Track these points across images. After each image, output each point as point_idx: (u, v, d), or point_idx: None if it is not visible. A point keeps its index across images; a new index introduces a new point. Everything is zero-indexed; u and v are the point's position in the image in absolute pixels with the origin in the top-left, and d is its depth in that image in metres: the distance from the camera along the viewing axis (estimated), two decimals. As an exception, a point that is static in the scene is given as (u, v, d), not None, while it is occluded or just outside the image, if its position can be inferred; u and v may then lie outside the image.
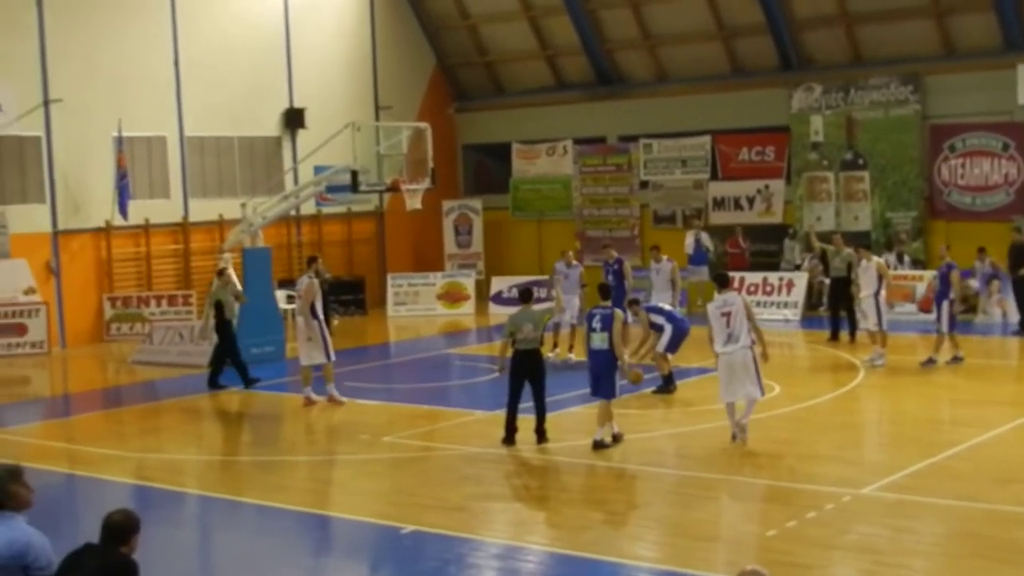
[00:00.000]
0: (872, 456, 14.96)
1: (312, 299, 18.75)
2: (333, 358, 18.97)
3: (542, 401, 15.41)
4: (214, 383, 20.72)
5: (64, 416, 20.18)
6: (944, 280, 20.85)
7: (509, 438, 15.34)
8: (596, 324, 15.03)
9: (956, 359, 20.52)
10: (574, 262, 23.15)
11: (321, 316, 18.99)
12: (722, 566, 10.60)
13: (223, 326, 20.86)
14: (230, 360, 20.86)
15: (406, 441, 16.13)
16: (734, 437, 14.96)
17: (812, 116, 29.42)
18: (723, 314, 14.95)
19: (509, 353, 15.45)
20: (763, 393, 15.38)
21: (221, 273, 21.51)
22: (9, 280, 26.04)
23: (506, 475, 14.38)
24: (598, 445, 14.90)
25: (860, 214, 28.96)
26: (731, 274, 27.98)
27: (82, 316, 27.46)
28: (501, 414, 15.65)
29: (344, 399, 18.76)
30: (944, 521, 11.90)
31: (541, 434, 15.35)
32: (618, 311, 15.51)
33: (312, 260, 19.89)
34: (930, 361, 20.37)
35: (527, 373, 15.33)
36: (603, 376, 15.02)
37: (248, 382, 20.62)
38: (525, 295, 16.01)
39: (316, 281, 19.08)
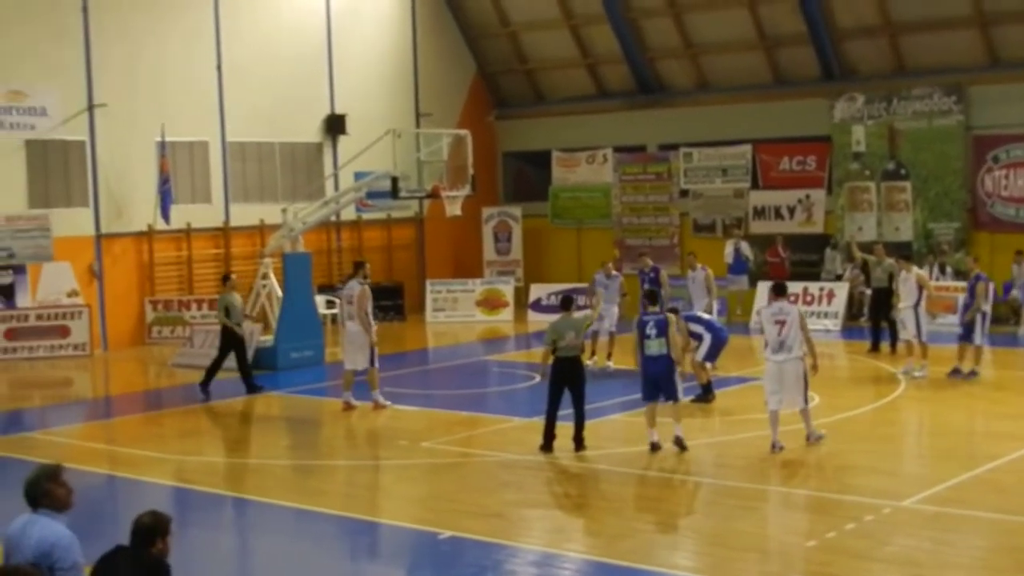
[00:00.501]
0: (913, 468, 14.85)
1: (367, 304, 18.74)
2: (377, 364, 19.02)
3: (581, 408, 15.37)
4: (252, 387, 20.80)
5: (105, 418, 20.33)
6: (972, 292, 20.64)
7: (547, 445, 15.31)
8: (651, 331, 15.18)
9: (972, 373, 20.30)
10: (614, 272, 23.01)
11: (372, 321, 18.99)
12: (760, 576, 10.56)
13: (231, 330, 20.95)
14: (214, 362, 20.91)
15: (444, 447, 16.15)
16: (774, 447, 14.95)
17: (854, 126, 29.27)
18: (777, 322, 15.10)
19: (550, 361, 15.43)
20: (807, 404, 15.35)
21: (226, 279, 21.61)
22: (53, 283, 26.32)
23: (544, 482, 14.37)
24: (678, 441, 15.05)
25: (901, 225, 28.77)
26: (772, 283, 28.28)
27: (124, 319, 27.67)
28: (539, 421, 15.64)
29: (388, 403, 18.81)
30: (986, 534, 11.79)
31: (579, 442, 15.30)
32: (671, 315, 15.72)
33: (360, 265, 19.72)
34: (956, 372, 20.22)
35: (568, 380, 15.28)
36: (664, 380, 15.22)
37: (206, 384, 20.58)
38: (566, 302, 15.94)
39: (367, 286, 19.07)
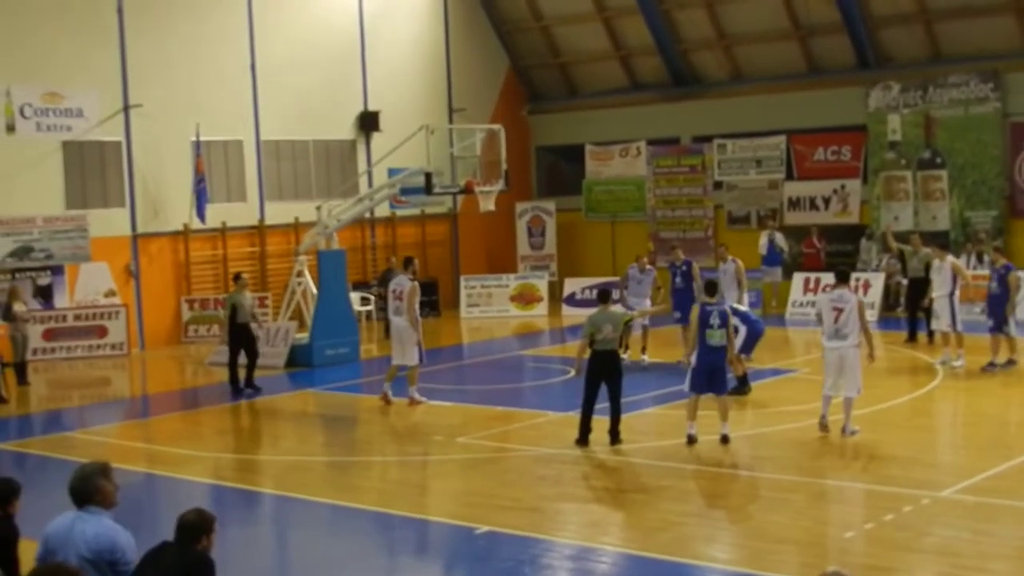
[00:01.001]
0: (951, 458, 14.74)
1: (415, 301, 18.79)
2: (425, 360, 19.07)
3: (617, 402, 15.33)
4: (250, 385, 20.93)
5: (143, 417, 20.47)
6: (1002, 282, 20.23)
7: (583, 439, 15.30)
8: (714, 320, 15.13)
9: (1010, 362, 20.06)
10: (648, 267, 22.88)
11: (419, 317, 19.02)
12: (798, 568, 10.50)
13: (239, 329, 21.03)
14: (230, 360, 21.04)
15: (480, 442, 16.15)
16: (824, 427, 15.18)
17: (889, 115, 29.07)
18: (835, 308, 15.18)
19: (587, 355, 15.40)
20: (859, 393, 15.43)
21: (237, 278, 21.70)
22: (90, 283, 26.52)
23: (580, 476, 14.36)
24: (725, 439, 15.08)
25: (938, 214, 28.56)
26: (807, 275, 28.15)
27: (161, 318, 27.84)
28: (575, 415, 15.62)
29: (424, 399, 18.85)
30: (1026, 525, 11.69)
31: (615, 435, 15.29)
32: (728, 308, 15.79)
33: (409, 260, 19.60)
34: (991, 365, 19.98)
35: (605, 374, 15.22)
36: (721, 372, 15.30)
37: (237, 390, 20.77)
38: (603, 296, 15.86)
39: (416, 283, 19.08)
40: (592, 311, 15.83)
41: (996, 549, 10.86)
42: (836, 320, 15.09)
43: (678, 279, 22.16)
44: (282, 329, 24.28)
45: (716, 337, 15.13)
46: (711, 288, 15.79)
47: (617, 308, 16.31)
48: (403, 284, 18.91)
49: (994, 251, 21.40)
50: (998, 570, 10.38)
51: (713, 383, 15.28)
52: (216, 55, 28.50)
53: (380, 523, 12.80)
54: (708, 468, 14.27)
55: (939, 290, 20.75)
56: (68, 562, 6.71)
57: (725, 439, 15.09)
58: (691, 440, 15.14)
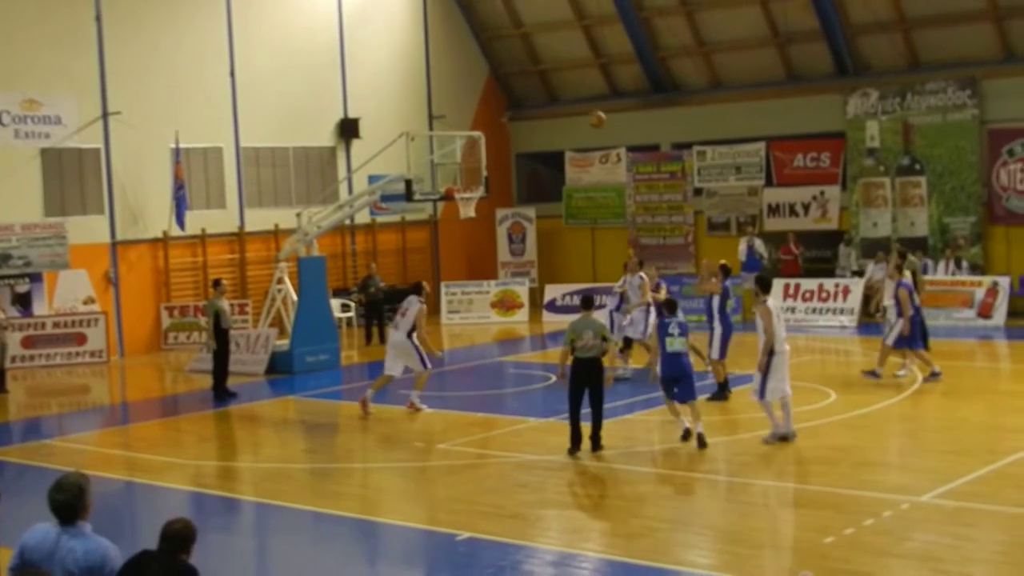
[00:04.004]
0: (931, 463, 14.75)
1: (423, 321, 19.02)
2: (429, 367, 19.12)
3: (599, 409, 15.29)
4: (223, 392, 20.91)
5: (122, 424, 20.38)
6: (898, 299, 19.70)
7: (575, 447, 15.22)
8: (674, 330, 15.67)
9: (934, 375, 19.62)
10: (640, 273, 22.46)
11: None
12: (778, 574, 10.52)
13: (223, 335, 21.07)
14: (218, 367, 21.08)
15: (461, 448, 16.14)
16: (784, 437, 15.24)
17: (868, 121, 29.20)
18: (778, 315, 15.55)
19: (569, 361, 15.41)
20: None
21: (217, 284, 21.69)
22: (69, 290, 26.43)
23: (561, 482, 14.34)
24: (700, 439, 15.27)
25: (917, 220, 28.70)
26: (786, 280, 28.23)
27: (140, 325, 27.75)
28: (556, 421, 15.66)
29: (424, 407, 18.86)
30: (1006, 529, 11.72)
31: (596, 441, 15.27)
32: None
33: (420, 286, 19.65)
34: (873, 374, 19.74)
35: (587, 381, 15.19)
36: (687, 379, 15.68)
37: (222, 393, 20.83)
38: (586, 302, 15.80)
39: (424, 306, 19.12)
40: (573, 317, 15.83)
41: (976, 553, 10.89)
42: (782, 325, 15.60)
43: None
44: (262, 336, 24.24)
45: (677, 344, 15.61)
46: (671, 306, 16.34)
47: (598, 316, 16.17)
48: (412, 304, 19.06)
49: (895, 268, 20.81)
50: (978, 574, 10.41)
51: (680, 389, 15.63)
52: (195, 62, 28.45)
53: (361, 530, 12.78)
54: (688, 474, 14.29)
55: (890, 299, 20.31)
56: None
57: (700, 439, 15.25)
58: (687, 435, 15.40)
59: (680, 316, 16.16)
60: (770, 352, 15.30)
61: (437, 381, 21.50)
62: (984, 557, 10.83)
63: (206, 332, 21.17)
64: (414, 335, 18.87)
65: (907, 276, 20.20)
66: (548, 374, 20.45)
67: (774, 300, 15.79)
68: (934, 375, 19.47)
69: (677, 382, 15.65)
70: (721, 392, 18.39)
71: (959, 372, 20.18)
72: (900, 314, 19.54)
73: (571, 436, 15.24)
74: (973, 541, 11.23)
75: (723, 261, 19.72)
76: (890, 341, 19.62)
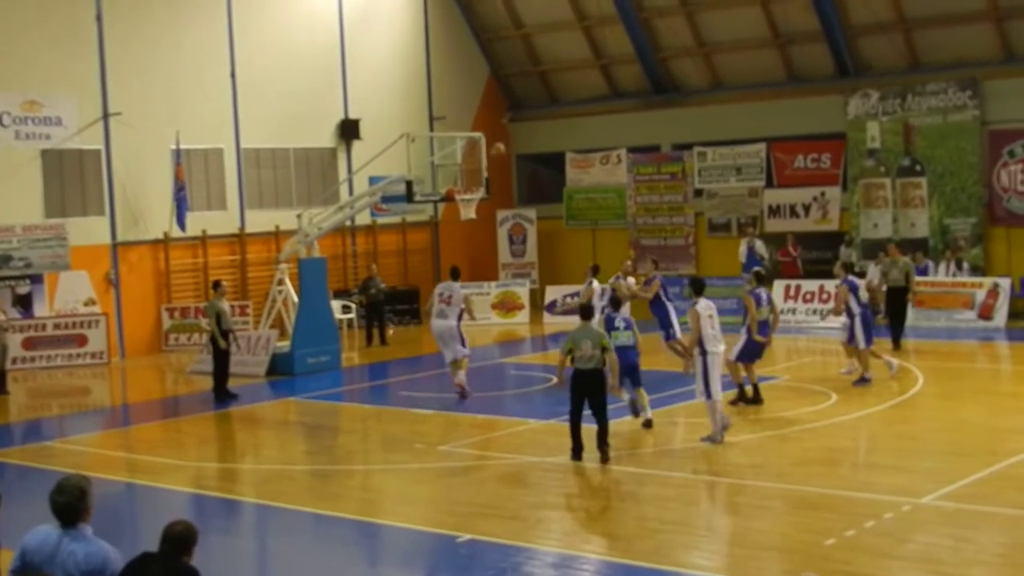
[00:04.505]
0: (931, 465, 14.75)
1: (470, 307, 20.41)
2: (468, 350, 20.21)
3: (603, 420, 14.87)
4: (223, 393, 20.95)
5: (123, 426, 20.40)
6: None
7: (576, 454, 14.94)
8: (619, 324, 16.69)
9: (863, 380, 19.47)
10: (654, 273, 21.92)
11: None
12: (779, 575, 10.51)
13: (224, 335, 21.11)
14: (219, 368, 21.12)
15: (461, 450, 16.15)
16: (720, 437, 15.56)
17: (869, 122, 29.19)
18: (708, 316, 15.83)
19: (567, 365, 15.21)
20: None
21: (217, 285, 21.72)
22: (69, 291, 26.43)
23: (562, 484, 14.35)
24: (648, 423, 16.56)
25: (917, 221, 28.69)
26: (787, 282, 28.20)
27: (141, 327, 27.75)
28: (556, 423, 15.65)
29: (470, 389, 19.60)
30: (1007, 531, 11.72)
31: (604, 452, 14.77)
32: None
33: (457, 270, 20.91)
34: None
35: (586, 392, 14.85)
36: (635, 369, 16.65)
37: (223, 395, 20.91)
38: (585, 312, 15.63)
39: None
40: (574, 321, 15.80)
41: (977, 555, 10.89)
42: (712, 327, 15.80)
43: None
44: (263, 338, 24.24)
45: (622, 338, 16.43)
46: (615, 303, 17.79)
47: (596, 326, 15.80)
48: (454, 290, 20.09)
49: (841, 266, 20.67)
50: (978, 576, 10.42)
51: (631, 379, 16.59)
52: (196, 63, 28.45)
53: (362, 532, 12.79)
54: (689, 476, 14.29)
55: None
56: None
57: (648, 423, 16.48)
58: (647, 424, 16.52)
59: (625, 312, 17.62)
60: (703, 353, 15.63)
61: (437, 382, 21.52)
62: (985, 559, 10.83)
63: (212, 332, 21.14)
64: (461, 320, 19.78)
65: (886, 274, 20.22)
66: (549, 375, 20.45)
67: (707, 302, 16.02)
68: (863, 380, 19.26)
69: (628, 373, 16.36)
70: (741, 395, 18.29)
71: (960, 374, 20.18)
72: (848, 314, 19.47)
73: (572, 447, 14.96)
74: (974, 543, 11.23)
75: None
76: (858, 343, 19.49)
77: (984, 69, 27.89)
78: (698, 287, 16.45)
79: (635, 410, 16.75)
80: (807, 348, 24.34)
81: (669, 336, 20.84)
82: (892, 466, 14.24)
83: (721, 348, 15.91)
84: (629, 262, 23.47)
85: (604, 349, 14.79)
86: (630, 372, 16.48)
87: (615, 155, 33.31)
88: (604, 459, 14.69)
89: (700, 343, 15.64)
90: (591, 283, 20.62)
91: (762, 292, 18.29)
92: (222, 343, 20.97)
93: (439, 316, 20.03)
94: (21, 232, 25.59)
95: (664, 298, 20.98)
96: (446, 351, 20.16)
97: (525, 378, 22.49)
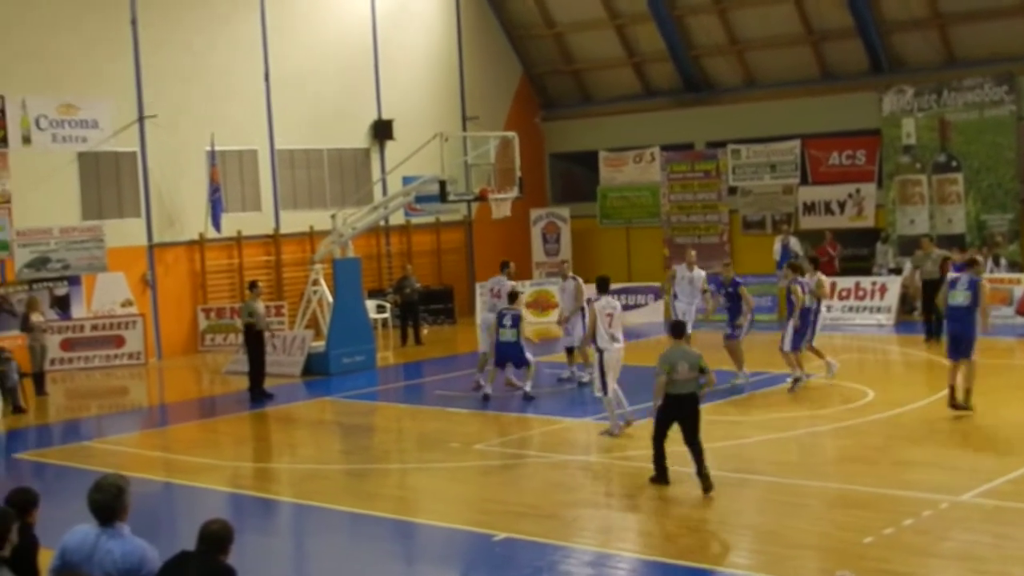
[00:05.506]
0: (970, 462, 14.64)
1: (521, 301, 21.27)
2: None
3: (696, 447, 13.27)
4: (259, 393, 21.08)
5: (161, 426, 20.51)
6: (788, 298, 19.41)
7: (660, 477, 13.60)
8: (507, 321, 19.37)
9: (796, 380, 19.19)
10: (697, 268, 22.05)
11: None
12: (816, 574, 10.48)
13: (255, 336, 21.19)
14: (253, 368, 21.24)
15: (497, 449, 16.16)
16: (617, 430, 16.05)
17: (904, 119, 29.01)
18: (607, 315, 16.15)
19: (661, 394, 13.34)
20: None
21: (253, 286, 21.83)
22: (107, 293, 26.61)
23: (597, 482, 14.34)
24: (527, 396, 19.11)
25: (954, 217, 28.49)
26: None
27: (177, 327, 27.91)
28: (591, 421, 15.66)
29: (520, 385, 19.94)
30: (1047, 528, 11.62)
31: (705, 479, 13.14)
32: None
33: (506, 264, 21.71)
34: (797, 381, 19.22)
35: (677, 417, 13.38)
36: (520, 355, 19.50)
37: (258, 395, 21.03)
38: (677, 329, 13.91)
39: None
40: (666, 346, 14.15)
41: (1017, 553, 10.79)
42: (610, 325, 16.10)
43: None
44: (298, 338, 24.33)
45: (507, 335, 19.24)
46: (512, 297, 19.92)
47: (690, 346, 14.05)
48: (502, 284, 20.77)
49: (788, 267, 20.41)
50: (1019, 575, 10.31)
51: (513, 362, 19.55)
52: (230, 65, 28.59)
53: (398, 530, 12.82)
54: (725, 474, 14.19)
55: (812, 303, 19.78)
56: None
57: (527, 396, 19.07)
58: (486, 398, 19.19)
59: (518, 309, 19.74)
60: (598, 351, 16.02)
61: (472, 381, 21.50)
62: (1025, 557, 10.74)
63: (244, 328, 21.38)
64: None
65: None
66: (582, 374, 20.42)
67: (608, 300, 16.34)
68: (796, 380, 19.00)
69: (509, 358, 19.43)
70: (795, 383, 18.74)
71: (998, 370, 20.00)
72: (790, 313, 19.34)
73: (655, 474, 13.66)
74: (1014, 540, 11.14)
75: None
76: (783, 344, 19.26)
77: (1020, 64, 27.64)
78: (602, 285, 16.75)
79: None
80: (843, 345, 24.20)
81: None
82: (930, 463, 14.14)
83: (616, 347, 16.09)
84: (694, 252, 23.29)
85: (702, 370, 13.25)
86: (510, 359, 19.44)
87: (648, 153, 33.25)
88: (706, 488, 13.09)
89: (594, 341, 16.04)
90: (567, 283, 21.36)
91: (804, 281, 19.00)
92: (266, 325, 21.43)
93: (491, 310, 20.61)
94: (59, 234, 25.80)
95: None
96: (484, 343, 20.74)
97: (559, 377, 22.42)
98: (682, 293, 21.87)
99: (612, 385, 15.97)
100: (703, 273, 22.09)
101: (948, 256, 23.64)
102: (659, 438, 13.61)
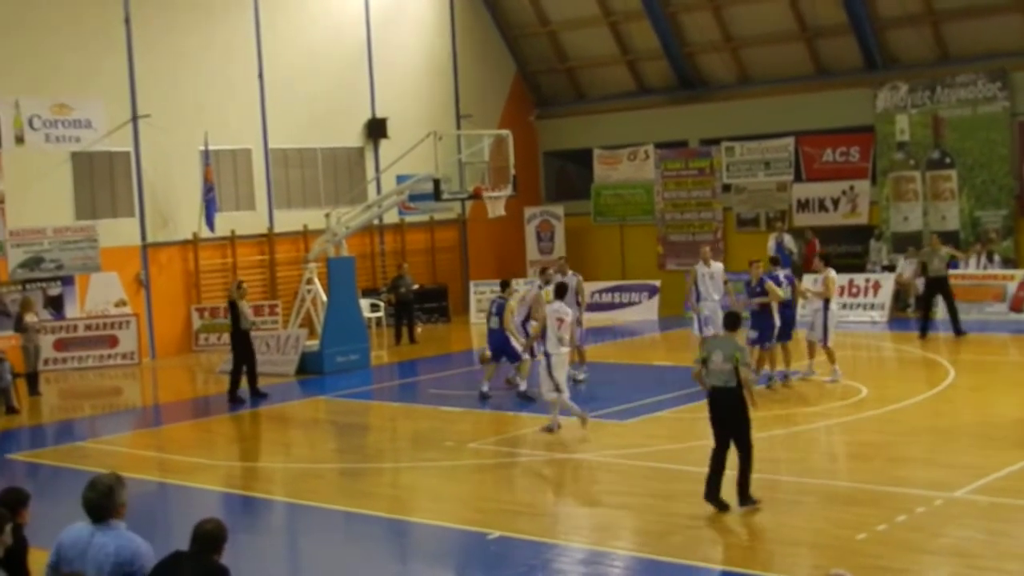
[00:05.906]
0: (964, 458, 14.64)
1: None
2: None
3: (745, 455, 12.35)
4: (256, 393, 21.04)
5: (154, 426, 20.49)
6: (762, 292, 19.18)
7: (710, 494, 12.30)
8: (493, 309, 19.90)
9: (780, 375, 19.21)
10: (714, 262, 21.58)
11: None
12: (810, 571, 10.46)
13: (242, 336, 21.15)
14: (247, 369, 21.18)
15: (491, 447, 16.15)
16: (552, 429, 16.47)
17: (898, 115, 29.02)
18: (558, 319, 16.83)
19: (701, 375, 12.59)
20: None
21: (238, 286, 21.79)
22: (100, 293, 26.58)
23: (591, 480, 14.34)
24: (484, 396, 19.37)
25: (948, 214, 28.50)
26: (816, 276, 27.98)
27: (171, 327, 27.88)
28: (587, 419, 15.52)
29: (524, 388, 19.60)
30: (1041, 524, 11.63)
31: (743, 493, 12.29)
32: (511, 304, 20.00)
33: (506, 284, 21.20)
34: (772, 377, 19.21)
35: (720, 418, 12.47)
36: (508, 346, 19.68)
37: (237, 399, 20.88)
38: (729, 320, 13.06)
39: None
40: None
41: (1011, 549, 10.80)
42: (559, 329, 16.77)
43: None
44: (292, 337, 24.31)
45: (493, 323, 19.77)
46: (503, 285, 20.57)
47: (737, 338, 12.88)
48: (546, 283, 20.71)
49: (769, 261, 20.35)
50: (1014, 570, 10.31)
51: (505, 355, 19.69)
52: (224, 64, 28.55)
53: (392, 529, 12.81)
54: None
55: (817, 301, 19.86)
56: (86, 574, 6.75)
57: (521, 395, 19.13)
58: (483, 396, 19.22)
59: (505, 298, 19.96)
60: (546, 354, 16.74)
61: (467, 380, 21.51)
62: (1019, 553, 10.74)
63: (245, 326, 21.28)
64: (529, 323, 20.02)
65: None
66: (576, 373, 20.41)
67: (561, 305, 17.13)
68: (768, 379, 18.96)
69: (502, 350, 19.68)
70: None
71: (992, 367, 20.03)
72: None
73: (707, 482, 12.36)
74: (1008, 537, 11.15)
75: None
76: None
77: (1013, 60, 27.66)
78: (559, 292, 17.84)
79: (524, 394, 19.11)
80: (837, 342, 24.06)
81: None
82: (924, 460, 14.16)
83: (562, 351, 16.84)
84: (708, 248, 23.21)
85: (736, 364, 12.24)
86: (503, 351, 19.65)
87: (643, 151, 33.24)
88: (742, 503, 12.25)
89: (543, 344, 16.81)
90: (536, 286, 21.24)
91: (778, 274, 19.36)
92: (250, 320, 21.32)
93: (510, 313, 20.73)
94: (52, 234, 25.76)
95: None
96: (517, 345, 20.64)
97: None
98: (705, 290, 20.93)
99: (562, 383, 16.70)
100: (721, 265, 21.69)
101: (954, 255, 23.82)
102: (716, 447, 12.42)
